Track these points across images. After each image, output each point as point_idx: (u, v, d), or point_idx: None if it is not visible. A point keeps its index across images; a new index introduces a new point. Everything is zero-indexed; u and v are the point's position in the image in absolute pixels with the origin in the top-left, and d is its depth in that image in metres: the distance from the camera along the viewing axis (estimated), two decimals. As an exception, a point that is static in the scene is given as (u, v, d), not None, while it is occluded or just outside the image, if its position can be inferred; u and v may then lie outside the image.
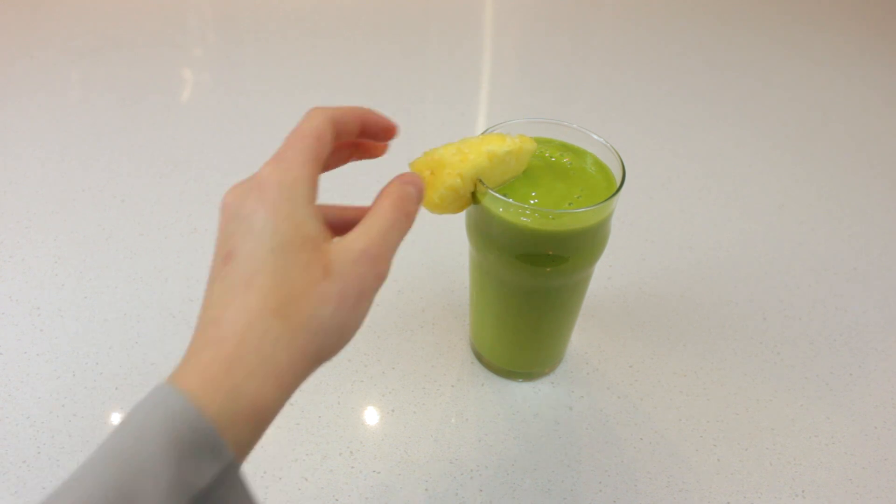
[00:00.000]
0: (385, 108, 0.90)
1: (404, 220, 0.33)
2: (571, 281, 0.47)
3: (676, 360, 0.56)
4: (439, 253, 0.64)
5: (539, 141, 0.47)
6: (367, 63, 0.91)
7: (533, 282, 0.46)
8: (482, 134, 0.45)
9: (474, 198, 0.44)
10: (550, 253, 0.44)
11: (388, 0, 1.05)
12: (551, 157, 0.47)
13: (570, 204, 0.44)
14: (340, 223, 0.36)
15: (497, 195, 0.42)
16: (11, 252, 0.62)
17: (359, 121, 0.35)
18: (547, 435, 0.50)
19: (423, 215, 0.67)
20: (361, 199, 0.72)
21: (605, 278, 0.62)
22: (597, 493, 0.47)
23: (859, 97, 0.91)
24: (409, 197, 0.34)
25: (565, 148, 0.47)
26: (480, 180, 0.43)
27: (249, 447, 0.27)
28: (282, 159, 0.30)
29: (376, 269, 0.30)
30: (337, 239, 0.31)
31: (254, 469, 0.47)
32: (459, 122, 0.83)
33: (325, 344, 0.29)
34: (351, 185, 0.71)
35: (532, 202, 0.43)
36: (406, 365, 0.54)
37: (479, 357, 0.55)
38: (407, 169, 0.41)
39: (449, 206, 0.43)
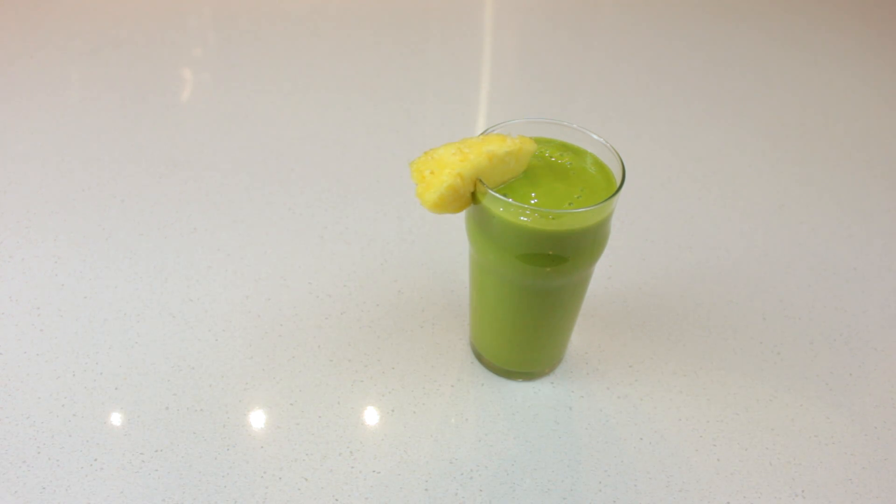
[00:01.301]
0: (385, 108, 0.91)
1: None
2: (571, 281, 0.47)
3: (676, 360, 0.56)
4: (439, 253, 0.64)
5: (539, 141, 0.47)
6: (367, 63, 0.91)
7: (533, 282, 0.46)
8: (482, 134, 0.45)
9: (474, 198, 0.44)
10: (550, 253, 0.44)
11: (388, 0, 1.05)
12: (551, 157, 0.47)
13: (570, 204, 0.44)
14: None
15: (497, 195, 0.42)
16: (11, 252, 0.62)
17: None
18: (547, 435, 0.50)
19: (424, 215, 0.67)
20: (361, 199, 0.72)
21: (605, 278, 0.62)
22: (597, 493, 0.47)
23: (859, 97, 0.91)
24: None
25: (565, 148, 0.47)
26: (480, 180, 0.43)
27: None
28: None
29: None
30: None
31: (253, 469, 0.47)
32: (459, 122, 0.83)
33: None
34: (349, 185, 0.71)
35: (532, 202, 0.43)
36: (406, 365, 0.54)
37: (479, 357, 0.55)
38: (407, 168, 0.41)
39: (449, 205, 0.43)
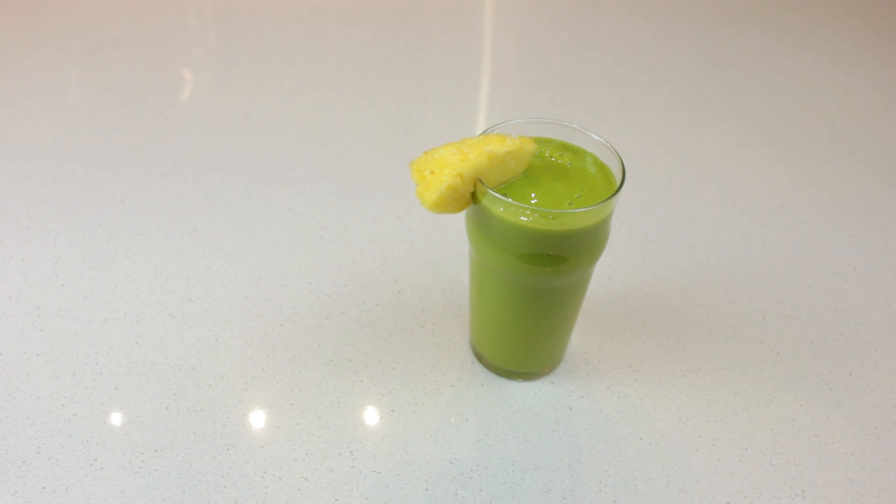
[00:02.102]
0: (385, 108, 0.91)
1: None
2: (571, 281, 0.47)
3: (676, 360, 0.56)
4: (439, 253, 0.64)
5: (539, 141, 0.47)
6: (368, 63, 0.91)
7: (533, 282, 0.46)
8: (482, 134, 0.45)
9: (474, 198, 0.44)
10: (550, 253, 0.44)
11: (388, 0, 1.05)
12: (551, 157, 0.47)
13: (570, 204, 0.44)
14: None
15: (497, 195, 0.42)
16: (11, 252, 0.62)
17: None
18: (547, 435, 0.50)
19: (424, 215, 0.67)
20: (361, 199, 0.72)
21: (605, 278, 0.62)
22: (597, 493, 0.47)
23: (859, 97, 0.91)
24: None
25: (565, 148, 0.47)
26: (480, 180, 0.43)
27: None
28: None
29: None
30: None
31: (254, 469, 0.47)
32: (459, 122, 0.83)
33: None
34: (349, 185, 0.71)
35: (532, 202, 0.43)
36: (406, 365, 0.54)
37: (479, 357, 0.55)
38: (407, 168, 0.41)
39: (448, 205, 0.43)
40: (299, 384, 0.53)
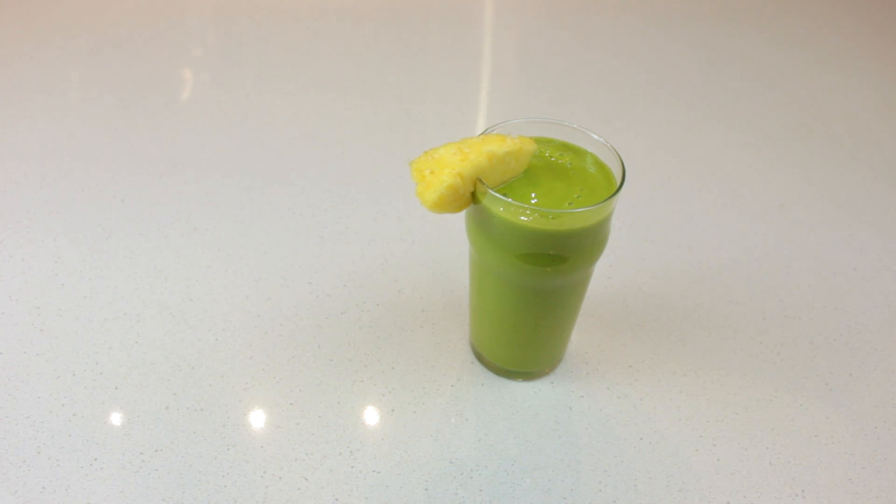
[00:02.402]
0: (385, 108, 0.91)
1: None
2: (571, 281, 0.47)
3: (676, 360, 0.56)
4: (439, 253, 0.64)
5: (539, 141, 0.47)
6: (367, 63, 0.91)
7: (533, 282, 0.46)
8: (482, 134, 0.45)
9: (474, 197, 0.44)
10: (550, 253, 0.44)
11: (388, 0, 1.05)
12: (551, 157, 0.47)
13: (570, 204, 0.44)
14: None
15: (497, 195, 0.42)
16: (11, 252, 0.62)
17: None
18: (547, 435, 0.50)
19: (424, 215, 0.67)
20: (361, 199, 0.72)
21: (605, 278, 0.62)
22: (597, 493, 0.47)
23: (859, 97, 0.91)
24: None
25: (565, 148, 0.47)
26: (480, 180, 0.43)
27: None
28: None
29: None
30: None
31: (253, 469, 0.47)
32: (459, 122, 0.83)
33: None
34: (349, 185, 0.71)
35: (532, 202, 0.43)
36: (406, 365, 0.54)
37: (479, 357, 0.55)
38: (407, 168, 0.41)
39: (448, 205, 0.43)
40: (299, 384, 0.53)
